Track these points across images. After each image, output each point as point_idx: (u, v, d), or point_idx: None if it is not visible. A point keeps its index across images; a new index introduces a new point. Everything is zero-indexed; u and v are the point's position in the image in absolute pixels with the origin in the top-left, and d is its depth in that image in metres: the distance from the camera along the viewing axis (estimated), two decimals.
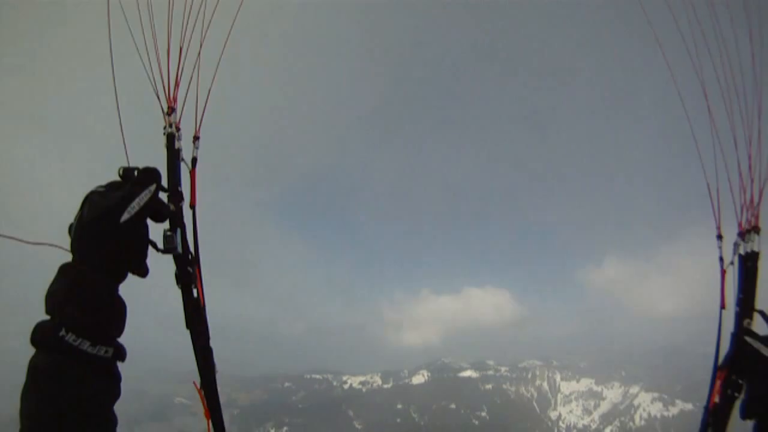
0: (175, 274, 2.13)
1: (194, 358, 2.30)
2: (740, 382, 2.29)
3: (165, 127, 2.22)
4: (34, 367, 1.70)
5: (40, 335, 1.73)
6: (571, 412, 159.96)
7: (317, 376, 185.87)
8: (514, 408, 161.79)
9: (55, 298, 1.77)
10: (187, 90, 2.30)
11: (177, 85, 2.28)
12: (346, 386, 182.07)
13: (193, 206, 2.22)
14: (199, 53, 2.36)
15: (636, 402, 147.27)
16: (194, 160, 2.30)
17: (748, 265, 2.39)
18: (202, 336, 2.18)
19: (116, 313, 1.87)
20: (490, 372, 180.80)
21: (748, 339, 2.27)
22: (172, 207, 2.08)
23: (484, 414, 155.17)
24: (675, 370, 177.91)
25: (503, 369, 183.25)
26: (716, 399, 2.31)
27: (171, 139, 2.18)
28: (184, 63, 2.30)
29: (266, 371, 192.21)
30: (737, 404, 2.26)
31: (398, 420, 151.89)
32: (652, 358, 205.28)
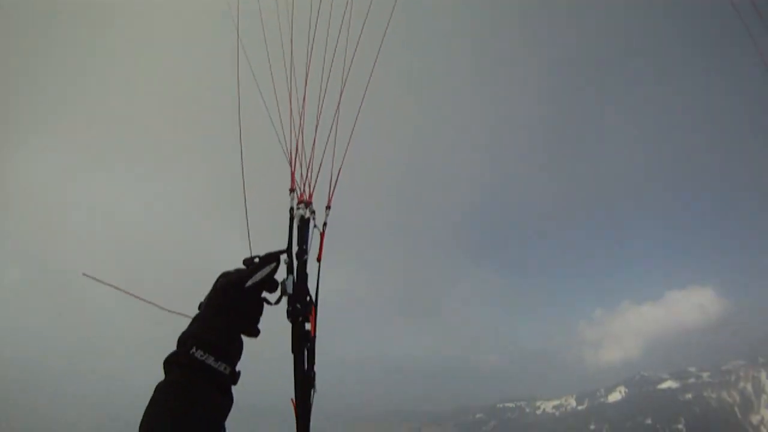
0: (287, 310, 2.55)
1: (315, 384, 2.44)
2: None
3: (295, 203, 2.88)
4: (162, 384, 2.01)
5: (171, 356, 2.07)
6: None
7: (510, 405, 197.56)
8: (714, 416, 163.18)
9: (187, 332, 2.16)
10: (320, 167, 2.97)
11: (299, 171, 2.98)
12: (539, 411, 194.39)
13: (319, 260, 2.80)
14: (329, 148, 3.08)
15: None
16: (324, 225, 2.89)
17: None
18: (306, 362, 2.56)
19: (237, 344, 2.25)
20: (691, 380, 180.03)
21: None
22: (287, 260, 2.59)
23: (680, 426, 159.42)
24: None
25: (705, 375, 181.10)
26: None
27: (291, 212, 2.78)
28: (313, 153, 2.97)
29: (459, 405, 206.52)
30: None
31: None
32: None
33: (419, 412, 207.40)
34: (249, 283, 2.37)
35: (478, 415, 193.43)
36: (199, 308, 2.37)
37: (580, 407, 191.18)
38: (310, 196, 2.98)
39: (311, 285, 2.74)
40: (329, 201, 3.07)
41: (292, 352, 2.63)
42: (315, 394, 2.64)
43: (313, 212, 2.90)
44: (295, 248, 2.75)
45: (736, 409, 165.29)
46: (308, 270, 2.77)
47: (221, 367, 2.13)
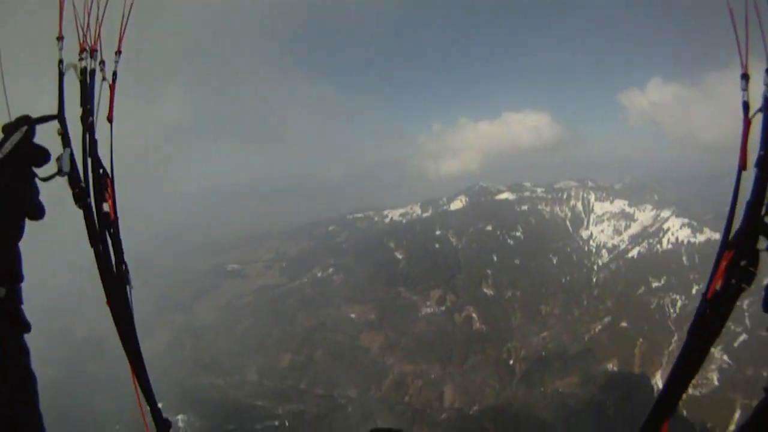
0: (73, 194, 2.22)
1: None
2: (751, 269, 1.90)
3: (81, 57, 2.43)
4: None
5: None
6: (602, 231, 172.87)
7: (359, 215, 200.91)
8: (548, 228, 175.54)
9: None
10: (105, 9, 2.43)
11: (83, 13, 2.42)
12: (387, 220, 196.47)
13: (110, 120, 2.43)
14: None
15: (665, 226, 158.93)
16: (114, 75, 2.50)
17: None
18: (112, 253, 2.27)
19: (5, 248, 1.88)
20: (527, 194, 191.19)
21: None
22: (60, 130, 2.22)
23: (518, 234, 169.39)
24: (707, 199, 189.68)
25: (539, 190, 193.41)
26: (718, 286, 2.01)
27: (60, 66, 2.32)
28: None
29: (312, 219, 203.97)
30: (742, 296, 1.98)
31: (437, 245, 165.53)
32: (687, 185, 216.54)
33: (276, 231, 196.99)
34: None
35: (330, 228, 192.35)
36: None
37: (425, 215, 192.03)
38: (95, 41, 2.46)
39: (104, 153, 2.37)
40: (119, 44, 2.57)
41: (91, 245, 2.27)
42: (132, 290, 2.35)
43: (101, 62, 2.47)
44: (77, 111, 2.36)
45: (568, 223, 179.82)
46: (98, 135, 2.39)
47: None
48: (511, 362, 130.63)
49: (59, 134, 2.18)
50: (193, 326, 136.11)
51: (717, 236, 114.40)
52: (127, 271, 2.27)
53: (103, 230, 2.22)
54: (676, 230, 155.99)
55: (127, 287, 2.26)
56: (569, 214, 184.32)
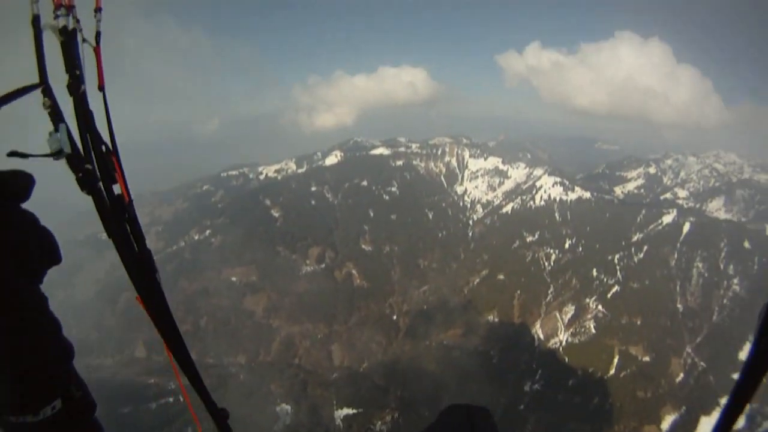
0: (77, 179, 1.91)
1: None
2: None
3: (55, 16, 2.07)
4: None
5: None
6: (476, 187, 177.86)
7: (233, 173, 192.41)
8: (423, 183, 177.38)
9: None
10: None
11: None
12: (262, 177, 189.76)
13: (102, 88, 2.15)
14: None
15: (538, 183, 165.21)
16: (98, 35, 2.18)
17: None
18: (134, 240, 2.04)
19: (41, 353, 1.58)
20: (402, 149, 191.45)
21: None
22: (47, 102, 1.88)
23: (394, 189, 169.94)
24: (579, 160, 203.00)
25: (414, 146, 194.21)
26: None
27: (36, 25, 1.95)
28: None
29: (185, 180, 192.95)
30: None
31: (313, 202, 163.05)
32: (560, 147, 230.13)
33: (149, 193, 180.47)
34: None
35: (205, 187, 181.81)
36: None
37: (300, 170, 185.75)
38: None
39: (100, 125, 2.10)
40: (98, 0, 2.25)
41: (109, 235, 2.04)
42: (160, 276, 2.21)
43: (77, 20, 2.10)
44: (62, 79, 2.03)
45: (443, 178, 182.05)
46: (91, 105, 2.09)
47: (47, 412, 1.59)
48: (395, 317, 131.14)
49: (46, 108, 1.86)
50: (75, 303, 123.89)
51: (588, 195, 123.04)
52: (151, 258, 2.06)
53: (120, 217, 1.98)
54: (549, 188, 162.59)
55: (156, 274, 2.07)
56: (444, 170, 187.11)
